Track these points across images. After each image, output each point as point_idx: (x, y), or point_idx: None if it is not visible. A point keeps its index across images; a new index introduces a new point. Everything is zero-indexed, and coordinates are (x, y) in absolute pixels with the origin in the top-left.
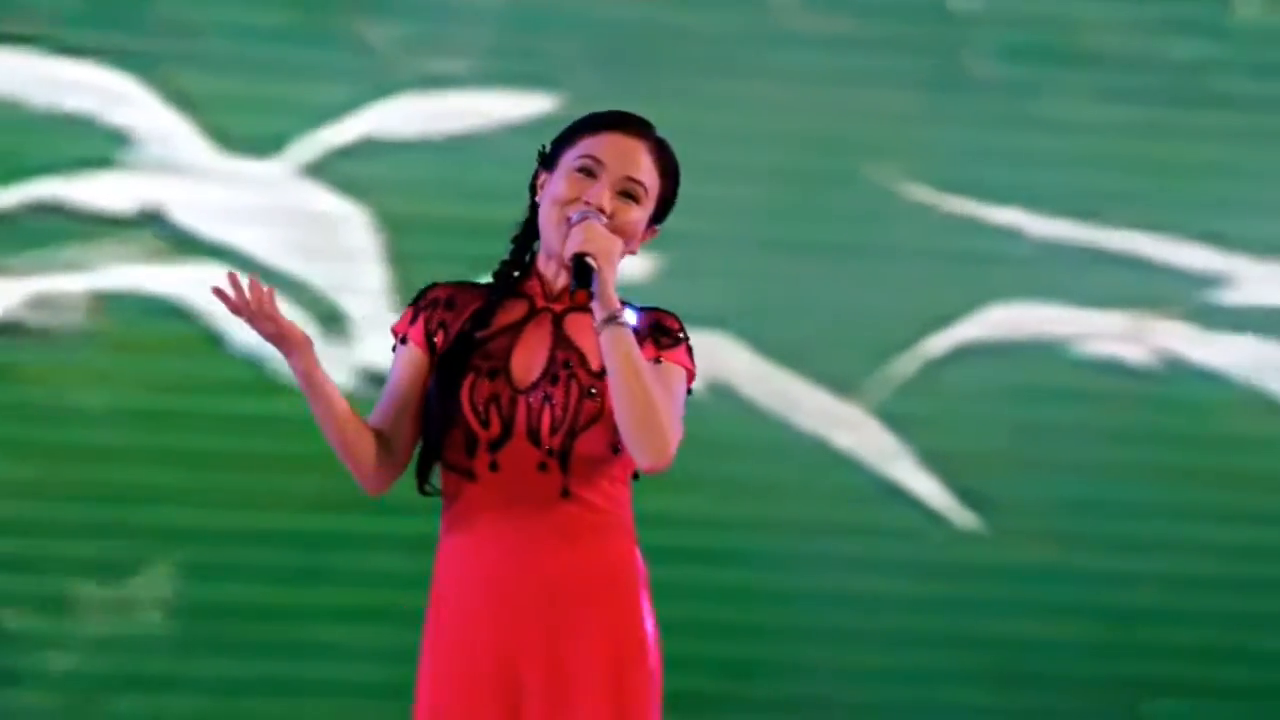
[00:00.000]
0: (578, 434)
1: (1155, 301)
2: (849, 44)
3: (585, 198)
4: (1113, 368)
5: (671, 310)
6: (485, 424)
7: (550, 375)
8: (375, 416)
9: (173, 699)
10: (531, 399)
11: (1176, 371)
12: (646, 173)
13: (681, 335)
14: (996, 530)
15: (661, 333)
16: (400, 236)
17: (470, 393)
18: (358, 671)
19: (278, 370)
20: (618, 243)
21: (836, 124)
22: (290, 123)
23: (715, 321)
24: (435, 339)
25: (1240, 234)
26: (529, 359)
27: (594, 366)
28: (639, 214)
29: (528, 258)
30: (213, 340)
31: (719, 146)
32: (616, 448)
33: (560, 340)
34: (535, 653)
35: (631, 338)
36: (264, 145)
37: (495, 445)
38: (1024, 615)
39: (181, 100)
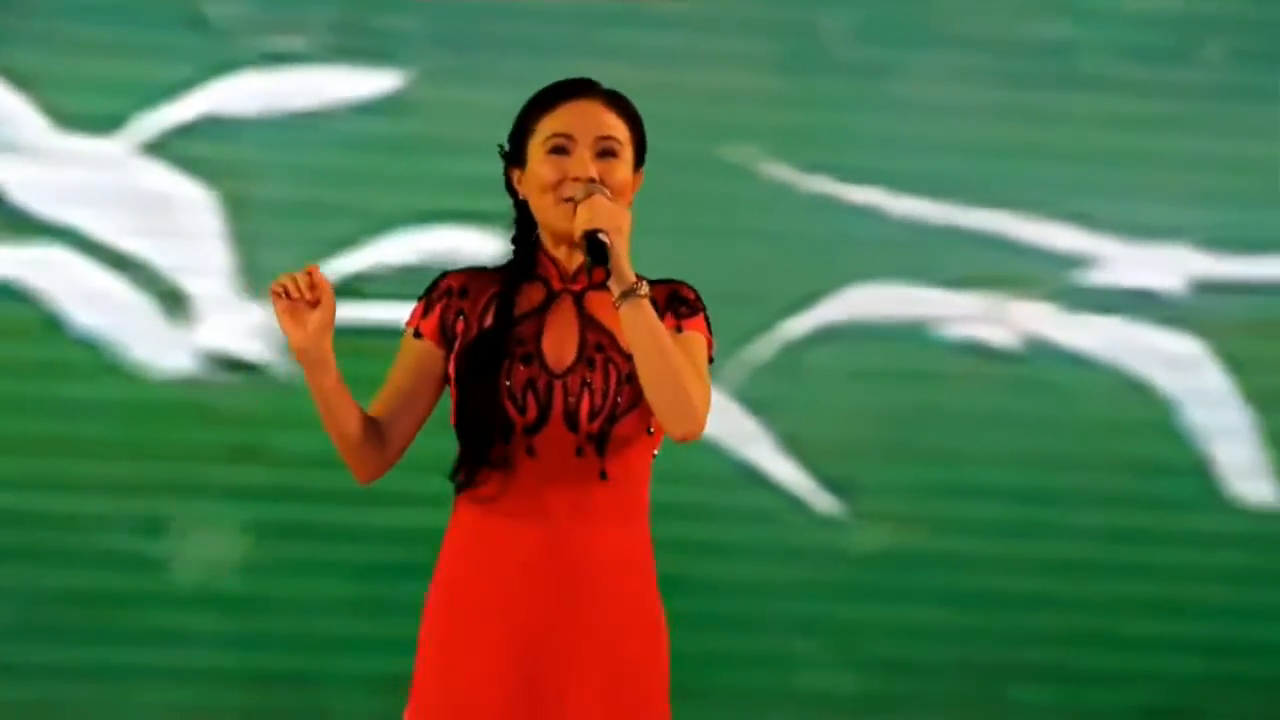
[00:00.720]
0: (617, 419)
1: (1018, 282)
2: (704, 25)
3: (571, 174)
4: (974, 349)
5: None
6: (522, 410)
7: (586, 359)
8: (377, 406)
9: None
10: (569, 383)
11: (1040, 353)
12: (614, 126)
13: (699, 304)
14: (857, 514)
15: (679, 302)
16: (242, 216)
17: (507, 378)
18: (191, 658)
19: (116, 354)
20: (625, 214)
21: (693, 105)
22: (129, 101)
23: None
24: (455, 328)
25: (1107, 216)
26: (560, 342)
27: (626, 348)
28: (623, 168)
29: (533, 241)
30: (51, 323)
31: None
32: (650, 429)
33: (587, 321)
34: (563, 632)
35: (651, 310)
36: (102, 123)
37: (531, 430)
38: (886, 600)
39: (17, 78)
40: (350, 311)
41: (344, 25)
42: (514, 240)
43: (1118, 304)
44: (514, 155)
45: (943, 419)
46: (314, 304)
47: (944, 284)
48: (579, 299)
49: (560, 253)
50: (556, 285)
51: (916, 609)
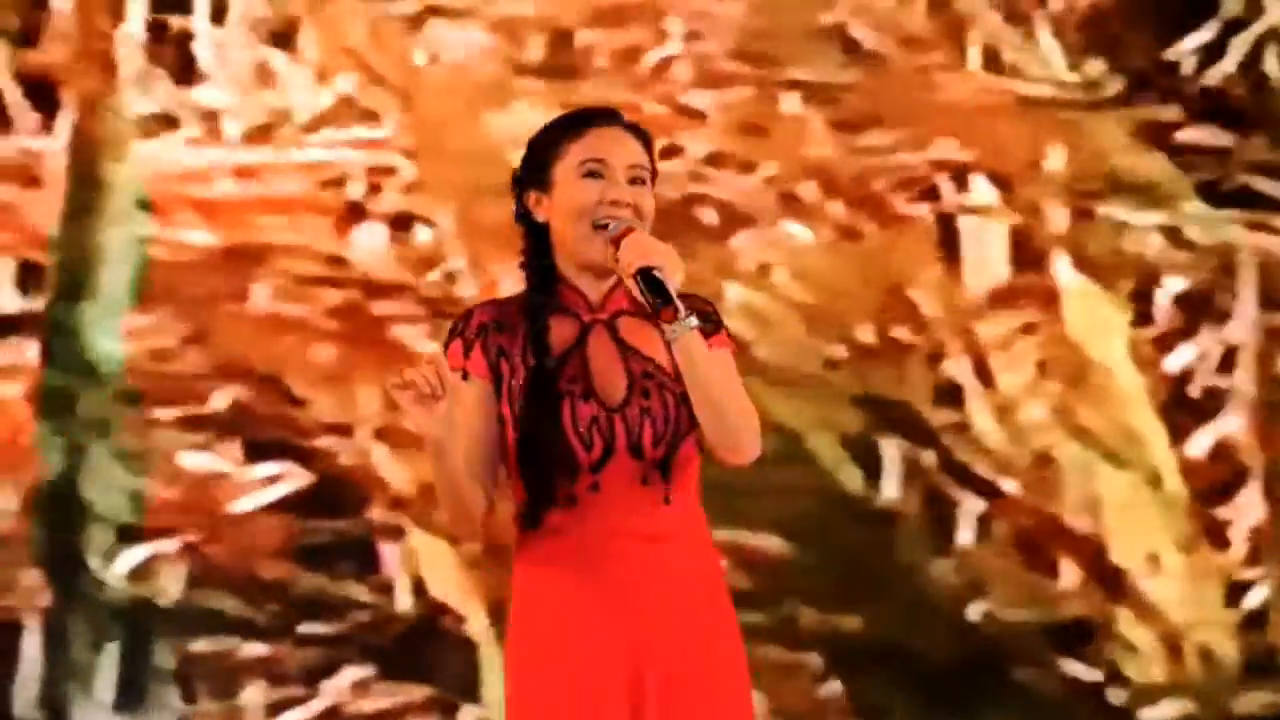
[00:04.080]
0: (679, 443)
1: None
2: None
3: (609, 198)
4: None
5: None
6: (589, 447)
7: (640, 390)
8: (469, 461)
9: None
10: (628, 415)
11: None
12: (641, 155)
13: (719, 318)
14: None
15: (703, 319)
16: None
17: (572, 418)
18: None
19: None
20: (671, 249)
21: None
22: None
23: None
24: (499, 366)
25: None
26: (607, 375)
27: (671, 372)
28: (651, 198)
29: (549, 267)
30: None
31: None
32: (701, 445)
33: (627, 351)
34: (661, 656)
35: (702, 341)
36: None
37: (596, 467)
38: None
39: None
40: None
41: None
42: (526, 266)
43: None
44: (534, 179)
45: None
46: (439, 396)
47: None
48: (611, 328)
49: (584, 281)
50: (586, 317)
51: None
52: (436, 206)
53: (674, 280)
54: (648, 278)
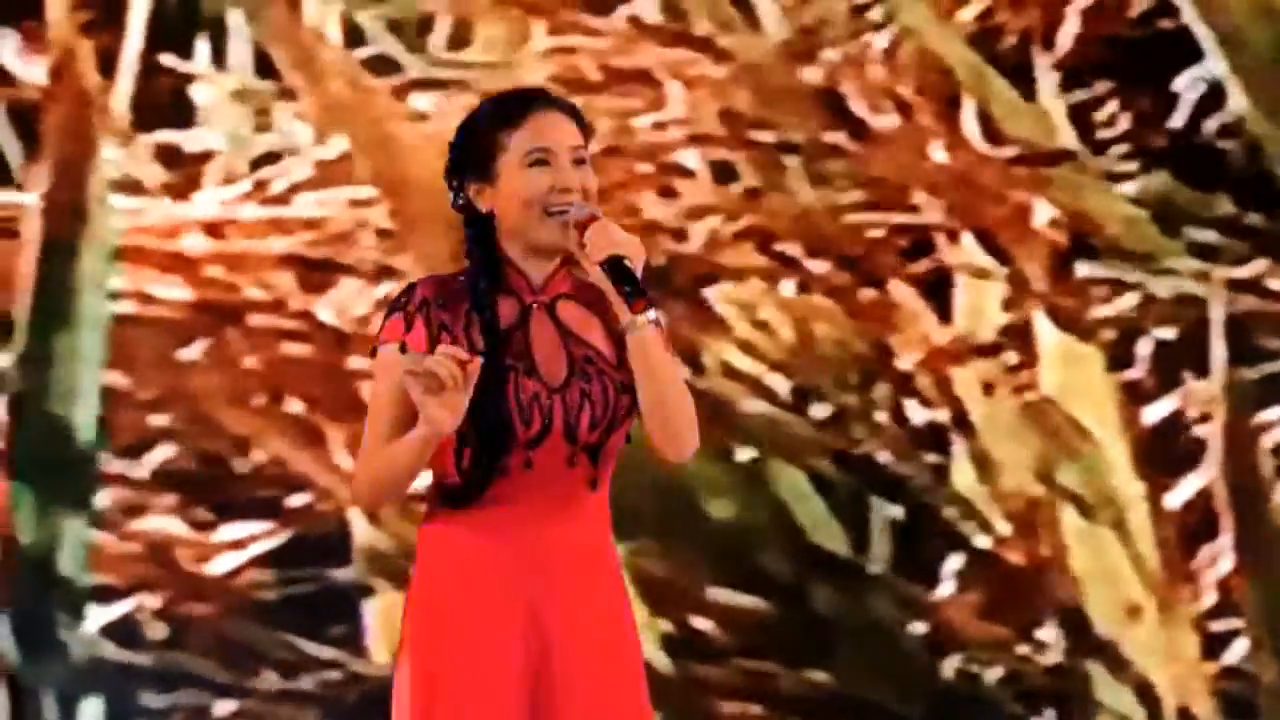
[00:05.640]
0: (614, 429)
1: None
2: None
3: (559, 185)
4: None
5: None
6: (527, 423)
7: (580, 373)
8: (389, 431)
9: None
10: (567, 396)
11: None
12: (578, 135)
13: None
14: None
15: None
16: None
17: (515, 392)
18: None
19: None
20: (636, 239)
21: None
22: None
23: None
24: (440, 341)
25: None
26: (548, 356)
27: (611, 359)
28: (592, 175)
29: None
30: None
31: None
32: (629, 437)
33: (567, 335)
34: (559, 637)
35: (659, 337)
36: None
37: (533, 443)
38: None
39: None
40: None
41: None
42: (471, 254)
43: None
44: (475, 171)
45: None
46: (457, 387)
47: None
48: (550, 311)
49: (530, 265)
50: (528, 299)
51: None
52: (416, 263)
53: (639, 269)
54: (618, 267)
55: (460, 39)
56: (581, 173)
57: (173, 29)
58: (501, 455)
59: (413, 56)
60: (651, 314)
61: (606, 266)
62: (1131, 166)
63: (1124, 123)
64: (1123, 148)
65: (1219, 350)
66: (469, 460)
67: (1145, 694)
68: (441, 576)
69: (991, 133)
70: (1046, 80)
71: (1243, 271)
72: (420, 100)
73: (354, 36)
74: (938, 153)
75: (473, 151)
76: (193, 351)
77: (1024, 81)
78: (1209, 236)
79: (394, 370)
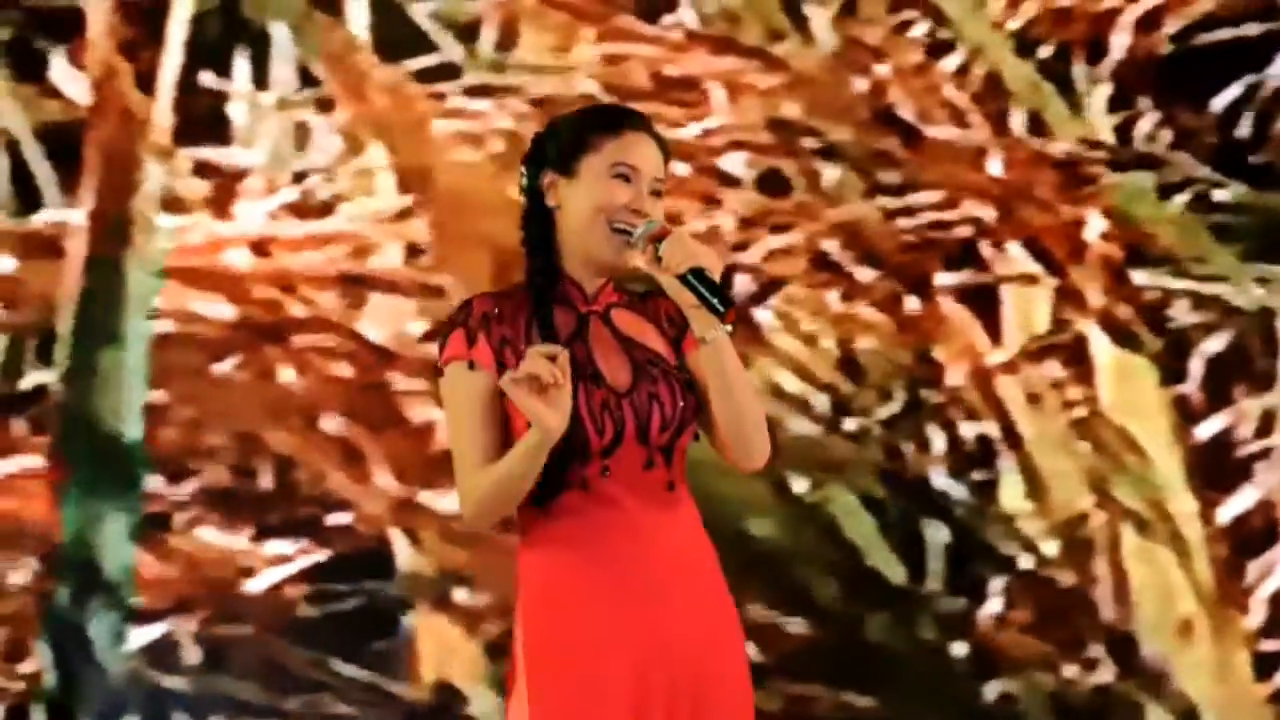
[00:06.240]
0: (684, 430)
1: None
2: None
3: (633, 204)
4: None
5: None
6: (600, 431)
7: (647, 376)
8: (483, 453)
9: None
10: (636, 400)
11: None
12: (663, 169)
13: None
14: None
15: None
16: None
17: (587, 401)
18: None
19: None
20: (714, 250)
21: None
22: None
23: None
24: (504, 356)
25: None
26: (611, 362)
27: (672, 361)
28: (662, 211)
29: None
30: None
31: None
32: (697, 435)
33: (625, 341)
34: (660, 642)
35: (733, 347)
36: None
37: (607, 451)
38: None
39: None
40: None
41: None
42: (528, 246)
43: None
44: (557, 162)
45: None
46: (561, 385)
47: None
48: (605, 319)
49: (584, 274)
50: (583, 308)
51: None
52: (456, 281)
53: (719, 280)
54: (701, 277)
55: (506, 44)
56: (654, 203)
57: (212, 46)
58: (574, 466)
59: (457, 62)
60: (730, 326)
61: (688, 278)
62: (1189, 175)
63: (1169, 134)
64: (1181, 155)
65: None
66: (542, 473)
67: (1192, 715)
68: (549, 601)
69: (1043, 142)
70: (1098, 91)
71: None
72: (466, 104)
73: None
74: (990, 163)
75: (563, 144)
76: (232, 368)
77: (1074, 92)
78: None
79: (467, 387)
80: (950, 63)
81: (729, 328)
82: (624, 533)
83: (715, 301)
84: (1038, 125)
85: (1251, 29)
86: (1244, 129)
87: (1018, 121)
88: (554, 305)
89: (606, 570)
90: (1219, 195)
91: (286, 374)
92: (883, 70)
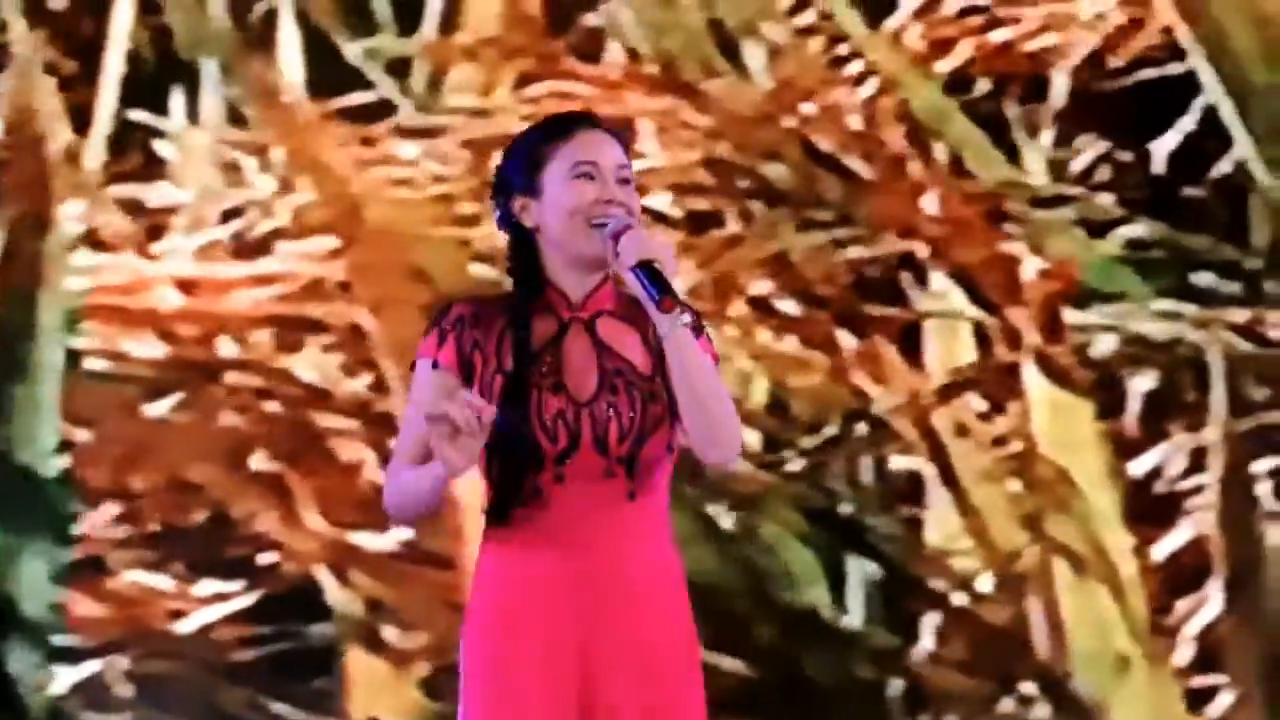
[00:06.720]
0: (645, 440)
1: None
2: None
3: (603, 198)
4: None
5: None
6: (554, 439)
7: (609, 386)
8: (416, 448)
9: None
10: (595, 410)
11: None
12: (623, 156)
13: (701, 324)
14: None
15: (694, 320)
16: None
17: (539, 410)
18: None
19: None
20: (669, 245)
21: None
22: None
23: None
24: (472, 359)
25: None
26: (580, 371)
27: (645, 372)
28: (636, 195)
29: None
30: None
31: None
32: (671, 446)
33: (603, 350)
34: (605, 652)
35: (692, 338)
36: None
37: (561, 459)
38: None
39: None
40: None
41: None
42: (512, 271)
43: None
44: (521, 186)
45: None
46: (474, 434)
47: None
48: (590, 328)
49: (570, 280)
50: (565, 314)
51: None
52: (383, 321)
53: (672, 276)
54: (648, 269)
55: (438, 83)
56: (626, 191)
57: (146, 83)
58: (527, 472)
59: (391, 100)
60: (686, 317)
61: (636, 271)
62: (1122, 212)
63: (1108, 170)
64: (1110, 196)
65: (1218, 396)
66: (495, 477)
67: None
68: (490, 601)
69: (974, 181)
70: (1029, 130)
71: (1239, 317)
72: (399, 148)
73: (327, 83)
74: (922, 200)
75: (519, 166)
76: (162, 408)
77: (1005, 130)
78: (1206, 281)
79: (424, 386)
80: (885, 103)
81: (685, 318)
82: (573, 540)
83: (653, 290)
84: (968, 164)
85: (1175, 69)
86: (1172, 168)
87: (946, 158)
88: (535, 314)
89: (548, 571)
90: (1146, 233)
91: (217, 413)
92: (810, 109)
